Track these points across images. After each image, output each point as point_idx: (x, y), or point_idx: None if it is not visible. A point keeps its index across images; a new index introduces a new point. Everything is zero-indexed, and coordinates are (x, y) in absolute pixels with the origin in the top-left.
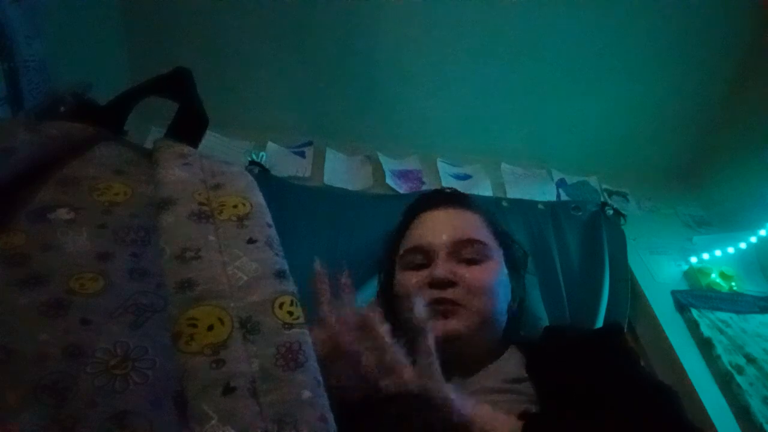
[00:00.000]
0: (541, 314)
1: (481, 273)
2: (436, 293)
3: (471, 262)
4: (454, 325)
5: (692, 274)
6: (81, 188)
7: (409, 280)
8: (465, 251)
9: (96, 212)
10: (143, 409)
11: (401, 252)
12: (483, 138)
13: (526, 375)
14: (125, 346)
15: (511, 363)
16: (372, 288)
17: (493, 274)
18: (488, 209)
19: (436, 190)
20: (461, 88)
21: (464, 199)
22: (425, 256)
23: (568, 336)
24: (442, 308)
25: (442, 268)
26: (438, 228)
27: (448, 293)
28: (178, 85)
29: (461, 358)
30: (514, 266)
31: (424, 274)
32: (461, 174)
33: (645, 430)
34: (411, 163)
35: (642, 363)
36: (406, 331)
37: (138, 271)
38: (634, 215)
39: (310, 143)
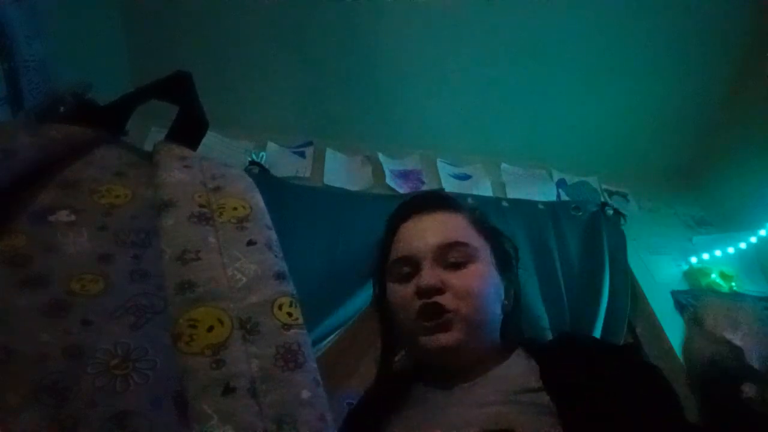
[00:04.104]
0: (541, 314)
1: (468, 276)
2: (425, 300)
3: (457, 266)
4: (448, 338)
5: (692, 274)
6: (82, 190)
7: (399, 291)
8: (450, 255)
9: (97, 214)
10: (143, 409)
11: (389, 263)
12: (483, 138)
13: (542, 385)
14: (126, 346)
15: (520, 369)
16: (371, 289)
17: (481, 275)
18: (472, 207)
19: (415, 196)
20: (461, 88)
21: (445, 201)
22: (411, 266)
23: (584, 345)
24: (434, 323)
25: (428, 276)
26: (421, 235)
27: (437, 299)
28: (178, 89)
29: (461, 365)
30: (504, 262)
31: (411, 284)
32: (461, 174)
33: None
34: (411, 163)
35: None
36: (399, 341)
37: (138, 272)
38: (634, 215)
39: (310, 143)
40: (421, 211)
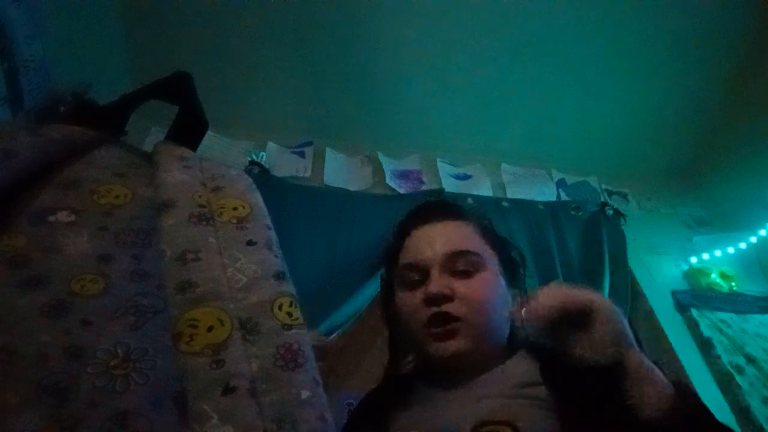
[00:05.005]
0: None
1: (476, 285)
2: (434, 309)
3: (465, 274)
4: (457, 345)
5: (692, 274)
6: (82, 191)
7: (407, 298)
8: (458, 264)
9: (97, 215)
10: (144, 409)
11: (397, 269)
12: (483, 138)
13: (541, 380)
14: (126, 346)
15: (522, 367)
16: (371, 289)
17: (489, 284)
18: (481, 215)
19: (424, 204)
20: (461, 88)
21: (454, 210)
22: (420, 273)
23: None
24: (442, 330)
25: (436, 284)
26: (430, 243)
27: (445, 308)
28: (178, 89)
29: (465, 369)
30: (511, 271)
31: (420, 291)
32: (461, 174)
33: None
34: (411, 163)
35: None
36: (407, 346)
37: (138, 272)
38: (634, 215)
39: (310, 143)
40: (430, 220)
